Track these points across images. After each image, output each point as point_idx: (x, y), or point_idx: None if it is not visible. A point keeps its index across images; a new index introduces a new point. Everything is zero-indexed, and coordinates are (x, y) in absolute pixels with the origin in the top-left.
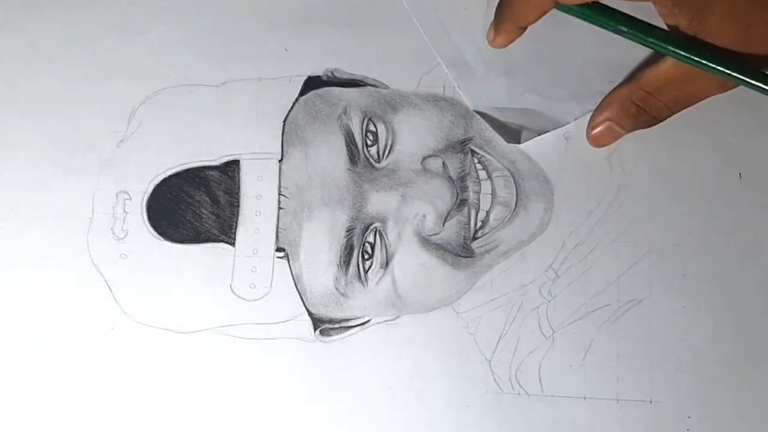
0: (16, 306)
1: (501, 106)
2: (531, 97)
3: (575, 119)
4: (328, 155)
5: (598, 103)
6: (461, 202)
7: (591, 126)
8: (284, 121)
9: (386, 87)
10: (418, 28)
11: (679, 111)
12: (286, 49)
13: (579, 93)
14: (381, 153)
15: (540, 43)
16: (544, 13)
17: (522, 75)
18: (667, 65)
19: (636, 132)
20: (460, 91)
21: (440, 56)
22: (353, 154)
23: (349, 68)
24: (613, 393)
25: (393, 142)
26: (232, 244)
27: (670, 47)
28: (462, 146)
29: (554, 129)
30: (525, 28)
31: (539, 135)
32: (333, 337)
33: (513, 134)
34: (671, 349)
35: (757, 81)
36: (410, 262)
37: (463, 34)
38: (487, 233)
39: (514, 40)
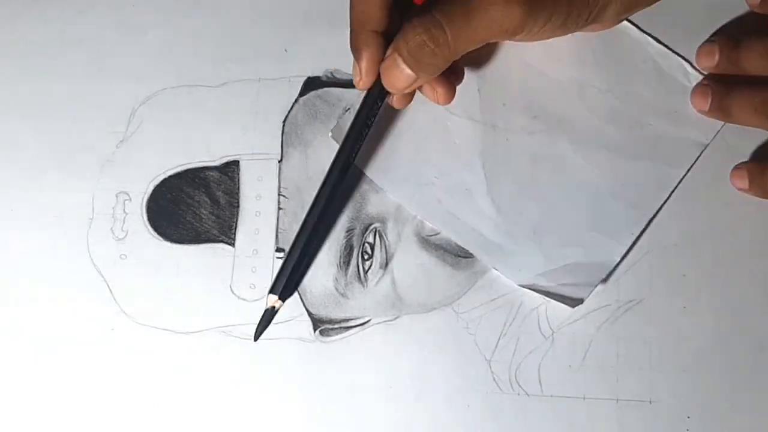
0: (16, 306)
1: (544, 271)
2: (568, 251)
3: (621, 256)
4: (327, 156)
5: (635, 235)
6: None
7: None
8: (284, 121)
9: None
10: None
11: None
12: (285, 50)
13: (611, 229)
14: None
15: (552, 196)
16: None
17: (548, 233)
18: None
19: None
20: (499, 272)
21: (464, 244)
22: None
23: (348, 69)
24: (613, 393)
25: None
26: (232, 244)
27: None
28: None
29: (606, 273)
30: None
31: (596, 287)
32: (333, 338)
33: (574, 299)
34: (671, 350)
35: None
36: (410, 263)
37: (476, 216)
38: None
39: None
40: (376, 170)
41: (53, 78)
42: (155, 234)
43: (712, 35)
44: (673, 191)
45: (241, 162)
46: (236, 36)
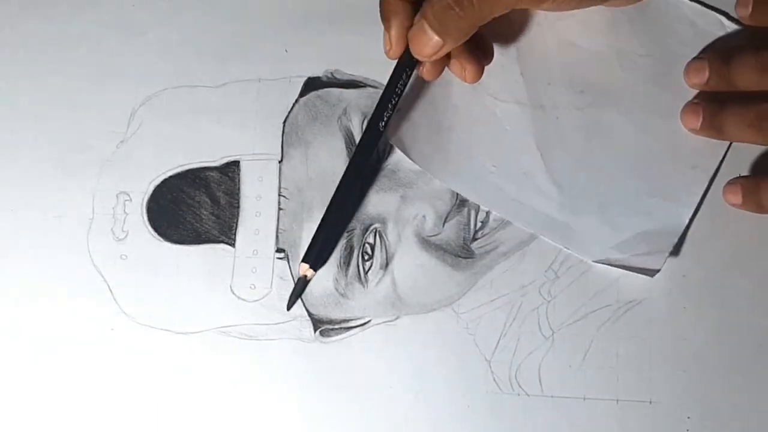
0: (16, 306)
1: (615, 244)
2: (633, 221)
3: (689, 219)
4: (328, 156)
5: (699, 195)
6: (461, 203)
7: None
8: (284, 122)
9: None
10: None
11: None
12: (286, 50)
13: (674, 194)
14: (381, 154)
15: (610, 167)
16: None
17: (612, 206)
18: None
19: None
20: (570, 250)
21: (534, 229)
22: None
23: (348, 69)
24: (613, 393)
25: None
26: (232, 244)
27: None
28: None
29: (677, 239)
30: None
31: (670, 253)
32: (333, 338)
33: (649, 269)
34: (671, 350)
35: None
36: (410, 263)
37: (537, 198)
38: (487, 234)
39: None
40: (434, 166)
41: (53, 78)
42: (155, 234)
43: (702, 52)
44: (730, 145)
45: (241, 162)
46: (236, 36)
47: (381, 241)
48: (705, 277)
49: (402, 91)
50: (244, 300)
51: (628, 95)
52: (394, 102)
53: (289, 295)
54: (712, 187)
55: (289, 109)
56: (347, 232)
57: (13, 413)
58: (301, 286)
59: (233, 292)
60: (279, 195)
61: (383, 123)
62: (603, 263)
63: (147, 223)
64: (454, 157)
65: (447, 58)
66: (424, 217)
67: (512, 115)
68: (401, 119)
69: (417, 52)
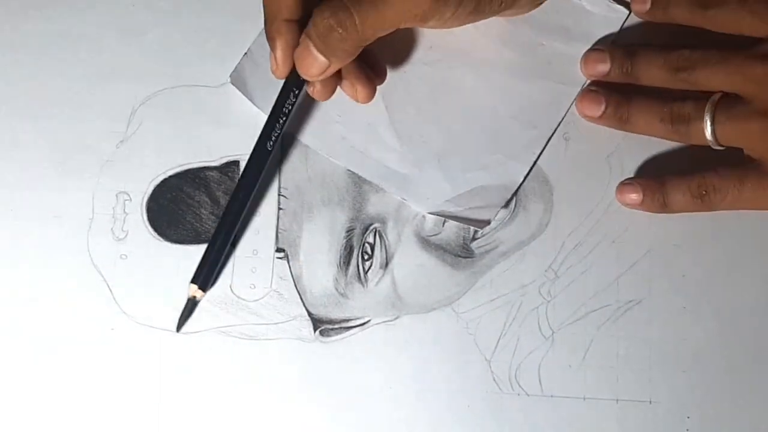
0: (16, 306)
1: (451, 197)
2: (472, 175)
3: (524, 176)
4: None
5: (536, 154)
6: None
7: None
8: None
9: None
10: (333, 162)
11: None
12: None
13: (512, 151)
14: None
15: (452, 121)
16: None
17: (452, 159)
18: None
19: (636, 134)
20: (407, 202)
21: (370, 178)
22: None
23: None
24: (613, 393)
25: None
26: (232, 244)
27: None
28: None
29: (511, 194)
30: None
31: (503, 207)
32: (333, 338)
33: (480, 220)
34: (671, 350)
35: None
36: (410, 263)
37: (379, 149)
38: (487, 234)
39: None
40: None
41: (53, 78)
42: (155, 234)
43: (596, 44)
44: (568, 109)
45: (241, 162)
46: (236, 36)
47: (381, 241)
48: (704, 277)
49: (290, 111)
50: (243, 300)
51: (477, 54)
52: (282, 122)
53: (290, 293)
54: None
55: None
56: (347, 232)
57: (13, 413)
58: (190, 307)
59: (233, 292)
60: (279, 195)
61: (271, 143)
62: (437, 215)
63: (147, 223)
64: (298, 105)
65: (338, 78)
66: (423, 216)
67: None
68: (246, 61)
69: (303, 72)
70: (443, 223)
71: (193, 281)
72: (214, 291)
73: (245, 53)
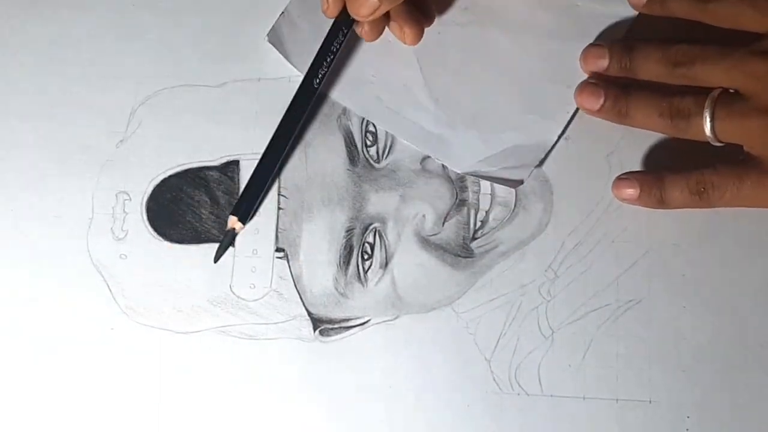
0: (16, 306)
1: (485, 157)
2: (507, 135)
3: (558, 136)
4: (327, 156)
5: (570, 113)
6: (461, 202)
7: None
8: None
9: None
10: (373, 126)
11: None
12: None
13: (547, 110)
14: (380, 153)
15: (487, 82)
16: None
17: (487, 119)
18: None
19: (635, 133)
20: (441, 162)
21: (406, 139)
22: (352, 155)
23: None
24: (613, 393)
25: (392, 142)
26: (232, 244)
27: None
28: None
29: (545, 153)
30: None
31: (536, 167)
32: (332, 338)
33: (514, 180)
34: (671, 349)
35: None
36: (410, 263)
37: (414, 109)
38: (487, 233)
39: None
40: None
41: (53, 78)
42: (155, 234)
43: (596, 39)
44: None
45: (241, 162)
46: (236, 36)
47: (380, 241)
48: (704, 277)
49: (338, 50)
50: (243, 299)
51: (511, 15)
52: (329, 60)
53: (290, 293)
54: None
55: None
56: (347, 231)
57: (13, 413)
58: (229, 239)
59: (233, 292)
60: (278, 194)
61: (318, 80)
62: (472, 174)
63: (147, 223)
64: (335, 65)
65: (386, 19)
66: (423, 216)
67: None
68: (284, 20)
69: (354, 12)
70: (443, 223)
71: (233, 213)
72: (214, 290)
73: (282, 13)
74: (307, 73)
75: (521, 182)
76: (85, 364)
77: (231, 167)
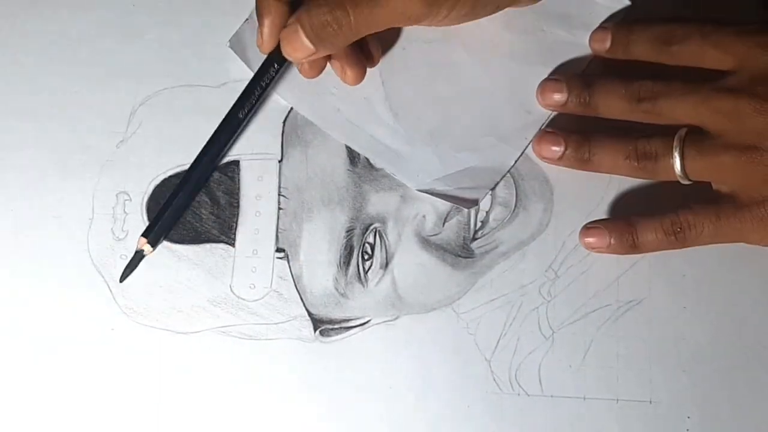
0: (16, 307)
1: (441, 176)
2: (463, 156)
3: (515, 160)
4: (327, 156)
5: (528, 140)
6: None
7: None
8: (284, 121)
9: None
10: (330, 136)
11: None
12: None
13: (505, 134)
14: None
15: (448, 101)
16: None
17: (445, 138)
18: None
19: None
20: (396, 176)
21: (363, 152)
22: (353, 155)
23: None
24: (613, 393)
25: None
26: (232, 244)
27: None
28: None
29: (501, 177)
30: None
31: (491, 189)
32: (333, 338)
33: (469, 200)
34: (671, 350)
35: None
36: (410, 263)
37: (373, 123)
38: (487, 233)
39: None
40: (278, 83)
41: (53, 78)
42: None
43: (560, 67)
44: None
45: (241, 162)
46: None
47: (381, 241)
48: (704, 277)
49: (268, 85)
50: (243, 300)
51: (477, 35)
52: (257, 93)
53: (290, 293)
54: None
55: (288, 109)
56: (347, 231)
57: (13, 413)
58: (137, 260)
59: (233, 292)
60: (279, 194)
61: (243, 113)
62: (426, 192)
63: (147, 223)
64: (297, 76)
65: (327, 58)
66: (424, 216)
67: None
68: (247, 27)
69: (288, 54)
70: (443, 223)
71: (143, 235)
72: (214, 291)
73: (246, 19)
74: (234, 106)
75: (476, 203)
76: (85, 365)
77: (231, 167)
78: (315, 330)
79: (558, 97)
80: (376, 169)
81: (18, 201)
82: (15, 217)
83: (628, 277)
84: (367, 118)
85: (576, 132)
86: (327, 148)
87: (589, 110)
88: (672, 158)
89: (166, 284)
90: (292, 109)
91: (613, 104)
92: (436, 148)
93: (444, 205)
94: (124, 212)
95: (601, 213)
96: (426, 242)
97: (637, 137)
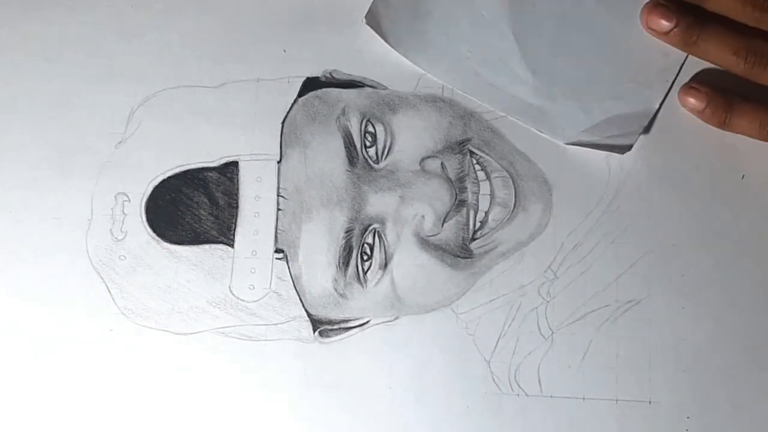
0: (16, 307)
1: (587, 127)
2: (607, 105)
3: (660, 102)
4: (326, 156)
5: (669, 81)
6: (460, 203)
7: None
8: (283, 122)
9: (385, 88)
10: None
11: None
12: (284, 50)
13: (646, 79)
14: (380, 154)
15: (583, 53)
16: None
17: (585, 90)
18: None
19: None
20: (544, 135)
21: (506, 112)
22: (352, 156)
23: (347, 69)
24: (612, 393)
25: (392, 143)
26: (231, 245)
27: None
28: (460, 147)
29: (648, 121)
30: None
31: (643, 133)
32: (332, 339)
33: (622, 146)
34: (670, 350)
35: None
36: (409, 263)
37: (512, 82)
38: (486, 234)
39: None
40: (411, 50)
41: (52, 79)
42: (154, 235)
43: None
44: None
45: (240, 163)
46: (234, 37)
47: (380, 242)
48: (703, 278)
49: None
50: (242, 300)
51: None
52: None
53: (289, 294)
54: (711, 185)
55: (287, 110)
56: (346, 232)
57: (13, 414)
58: None
59: (232, 293)
60: (278, 195)
61: None
62: (575, 145)
63: (146, 224)
64: (431, 42)
65: None
66: (423, 217)
67: (489, 1)
68: (380, 2)
69: None
70: (442, 224)
71: None
72: (214, 292)
73: None
74: None
75: (629, 148)
76: (84, 366)
77: (230, 168)
78: (314, 330)
79: None
80: (375, 170)
81: (17, 202)
82: (14, 218)
83: (628, 278)
84: (506, 77)
85: (689, 12)
86: (326, 148)
87: (697, 1)
88: None
89: (165, 285)
90: (290, 109)
91: (723, 2)
92: (579, 101)
93: (443, 205)
94: (123, 213)
95: (600, 213)
96: (425, 243)
97: (752, 35)
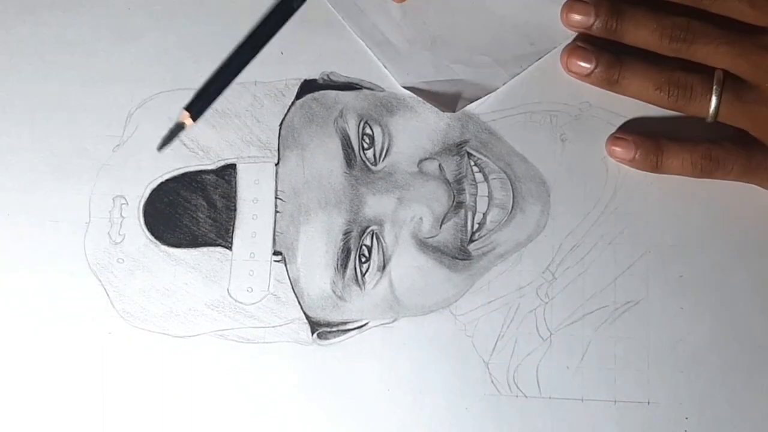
0: (13, 311)
1: (429, 79)
2: (457, 68)
3: (503, 83)
4: (324, 158)
5: (522, 68)
6: (458, 205)
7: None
8: (280, 124)
9: (382, 90)
10: (333, 12)
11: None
12: (281, 53)
13: (502, 58)
14: (377, 156)
15: (458, 13)
16: None
17: (445, 47)
18: None
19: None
20: (386, 69)
21: (361, 37)
22: (350, 158)
23: (345, 71)
24: (611, 394)
25: (389, 144)
26: (229, 248)
27: None
28: (458, 149)
29: (484, 95)
30: None
31: (472, 102)
32: (330, 341)
33: (447, 104)
34: (669, 351)
35: None
36: (407, 265)
37: (380, 13)
38: (484, 235)
39: None
40: None
41: (49, 82)
42: (152, 238)
43: None
44: (571, 40)
45: (237, 165)
46: (232, 39)
47: (378, 243)
48: (702, 278)
49: None
50: (241, 303)
51: None
52: None
53: (287, 296)
54: (710, 185)
55: (285, 112)
56: (344, 234)
57: (11, 417)
58: (176, 130)
59: (230, 296)
60: (276, 198)
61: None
62: (410, 90)
63: (144, 227)
64: None
65: None
66: (420, 218)
67: None
68: None
69: None
70: (440, 225)
71: (186, 108)
72: (212, 294)
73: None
74: None
75: (452, 110)
76: (82, 369)
77: (228, 171)
78: (312, 333)
79: (585, 19)
80: (373, 172)
81: (15, 205)
82: (12, 221)
83: (626, 279)
84: (377, 8)
85: (607, 51)
86: (324, 151)
87: (614, 37)
88: (709, 97)
89: (163, 288)
90: (288, 111)
91: (642, 36)
92: (433, 54)
93: (441, 207)
94: (121, 216)
95: (598, 214)
96: (423, 244)
97: (672, 68)
